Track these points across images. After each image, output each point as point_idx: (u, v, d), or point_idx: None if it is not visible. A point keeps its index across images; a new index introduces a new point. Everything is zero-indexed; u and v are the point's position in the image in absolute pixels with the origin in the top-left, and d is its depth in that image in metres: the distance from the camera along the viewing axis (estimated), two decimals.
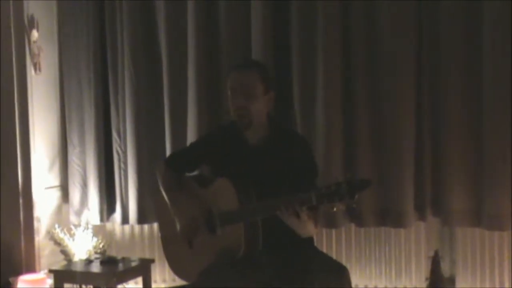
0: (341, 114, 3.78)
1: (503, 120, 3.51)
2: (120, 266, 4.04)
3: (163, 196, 3.15)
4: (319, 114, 3.78)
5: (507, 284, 3.71)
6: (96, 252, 4.23)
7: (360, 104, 3.78)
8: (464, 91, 3.61)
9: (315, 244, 3.08)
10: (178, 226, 3.01)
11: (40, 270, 4.28)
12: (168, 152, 4.08)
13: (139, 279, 4.21)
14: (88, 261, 4.12)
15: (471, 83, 3.60)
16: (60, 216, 4.53)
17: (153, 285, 4.24)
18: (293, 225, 2.72)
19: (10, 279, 4.10)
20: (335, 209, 2.59)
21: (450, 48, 3.61)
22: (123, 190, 4.34)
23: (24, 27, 4.29)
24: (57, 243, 4.29)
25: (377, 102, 3.76)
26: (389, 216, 3.76)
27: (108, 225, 4.53)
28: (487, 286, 3.74)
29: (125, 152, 4.31)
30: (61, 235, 4.27)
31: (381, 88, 3.75)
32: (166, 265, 3.28)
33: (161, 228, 3.32)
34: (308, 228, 2.77)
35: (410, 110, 3.68)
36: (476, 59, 3.58)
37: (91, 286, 4.17)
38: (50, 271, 4.08)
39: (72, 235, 4.27)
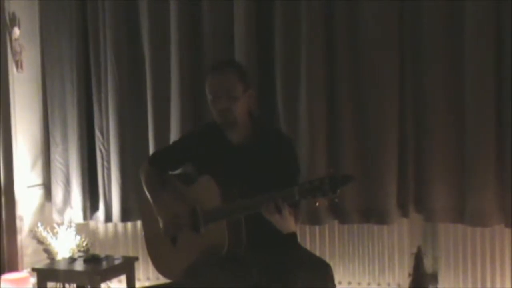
0: (325, 111, 3.79)
1: (486, 118, 3.53)
2: (104, 264, 4.02)
3: (147, 195, 3.15)
4: (303, 112, 3.79)
5: (488, 280, 3.74)
6: (79, 251, 4.22)
7: (343, 102, 3.79)
8: (446, 90, 3.63)
9: (299, 241, 3.09)
10: (160, 224, 3.01)
11: (23, 269, 4.26)
12: (151, 151, 4.07)
13: (123, 277, 4.19)
14: (72, 260, 4.10)
15: (454, 82, 3.62)
16: (43, 214, 4.51)
17: (137, 283, 4.23)
18: (275, 221, 2.73)
19: None
20: (317, 204, 2.61)
21: (433, 49, 3.64)
22: (106, 188, 4.33)
23: (5, 25, 4.25)
24: (40, 241, 4.27)
25: (361, 100, 3.77)
26: (372, 213, 3.77)
27: (91, 223, 4.51)
28: (469, 282, 3.77)
29: (108, 151, 4.30)
30: (44, 234, 4.25)
31: (365, 87, 3.76)
32: (150, 263, 3.27)
33: (144, 227, 3.31)
34: (289, 224, 2.77)
35: (393, 108, 3.70)
36: (459, 60, 3.60)
37: (75, 285, 4.16)
38: (33, 269, 4.06)
39: (55, 234, 4.26)
